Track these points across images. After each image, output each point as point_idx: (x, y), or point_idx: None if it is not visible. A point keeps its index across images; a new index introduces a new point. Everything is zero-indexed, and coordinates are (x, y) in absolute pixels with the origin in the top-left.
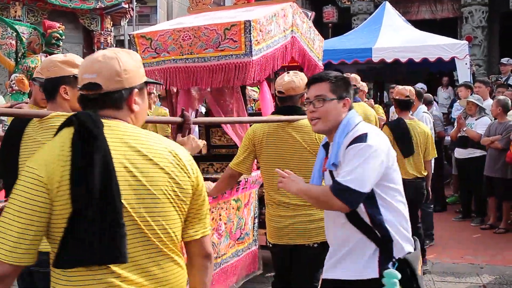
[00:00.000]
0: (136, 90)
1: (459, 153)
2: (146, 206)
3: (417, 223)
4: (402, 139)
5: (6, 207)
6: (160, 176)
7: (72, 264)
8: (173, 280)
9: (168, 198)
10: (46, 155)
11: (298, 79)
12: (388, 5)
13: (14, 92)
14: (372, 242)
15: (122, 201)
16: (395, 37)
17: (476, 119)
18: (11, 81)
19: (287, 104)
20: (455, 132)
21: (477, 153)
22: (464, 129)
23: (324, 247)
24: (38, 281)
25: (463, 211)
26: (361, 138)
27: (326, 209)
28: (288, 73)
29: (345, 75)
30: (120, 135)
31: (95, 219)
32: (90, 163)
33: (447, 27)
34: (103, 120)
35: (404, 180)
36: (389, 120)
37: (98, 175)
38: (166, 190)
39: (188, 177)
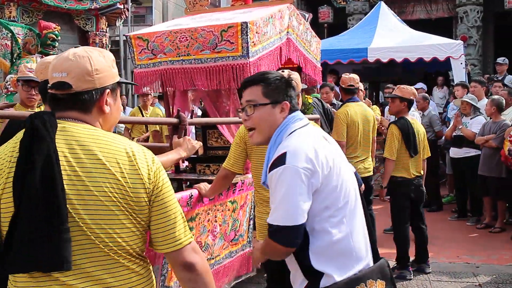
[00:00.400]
0: (108, 90)
1: (454, 152)
2: (91, 212)
3: (422, 223)
4: (409, 138)
5: None
6: (110, 182)
7: (14, 270)
8: None
9: (118, 206)
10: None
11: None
12: (383, 5)
13: (9, 93)
14: (301, 271)
15: (67, 205)
16: (390, 37)
17: (471, 119)
18: (6, 82)
19: None
20: (450, 131)
21: (472, 152)
22: (460, 127)
23: None
24: None
25: (458, 211)
26: (280, 160)
27: (280, 259)
28: (282, 72)
29: (343, 75)
30: (77, 137)
31: (37, 223)
32: (31, 165)
33: (442, 27)
34: (60, 121)
35: (406, 180)
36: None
37: (39, 177)
38: (115, 197)
39: (142, 183)
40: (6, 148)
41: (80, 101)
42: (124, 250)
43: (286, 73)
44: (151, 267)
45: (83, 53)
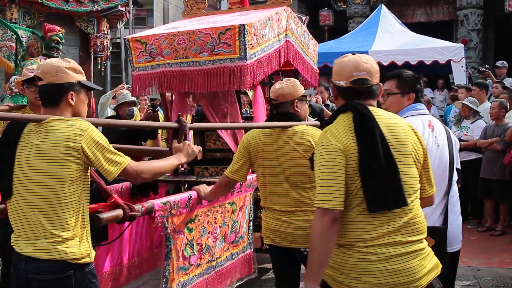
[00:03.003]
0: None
1: None
2: (405, 167)
3: None
4: None
5: (322, 167)
6: (409, 144)
7: (376, 209)
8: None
9: (414, 161)
10: (337, 132)
11: (288, 85)
12: (384, 8)
13: (14, 94)
14: None
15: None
16: (391, 40)
17: (471, 123)
18: (11, 83)
19: (280, 111)
20: None
21: (473, 155)
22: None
23: None
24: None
25: None
26: None
27: None
28: (281, 80)
29: None
30: (381, 117)
31: (386, 179)
32: (373, 139)
33: (443, 30)
34: (368, 107)
35: None
36: None
37: (380, 147)
38: (412, 154)
39: (421, 144)
40: (339, 127)
41: (372, 92)
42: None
43: (283, 81)
44: None
45: (370, 57)
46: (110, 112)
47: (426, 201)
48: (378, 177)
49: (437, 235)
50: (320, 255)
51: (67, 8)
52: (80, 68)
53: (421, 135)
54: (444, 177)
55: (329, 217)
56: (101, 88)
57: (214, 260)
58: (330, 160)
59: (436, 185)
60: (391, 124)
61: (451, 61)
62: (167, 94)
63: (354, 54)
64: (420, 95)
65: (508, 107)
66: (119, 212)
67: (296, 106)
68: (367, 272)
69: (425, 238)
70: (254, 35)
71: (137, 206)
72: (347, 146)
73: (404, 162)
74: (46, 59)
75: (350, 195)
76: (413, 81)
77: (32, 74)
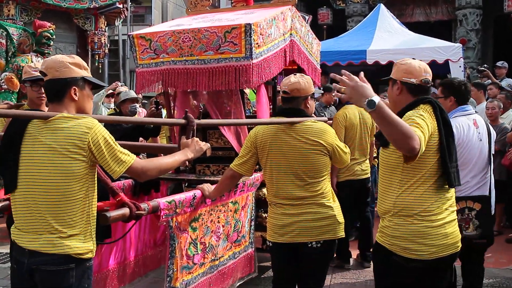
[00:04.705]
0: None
1: None
2: None
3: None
4: None
5: (423, 122)
6: None
7: (453, 185)
8: None
9: None
10: (427, 116)
11: (304, 81)
12: (382, 7)
13: (3, 91)
14: None
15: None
16: (389, 39)
17: None
18: (1, 80)
19: (290, 106)
20: None
21: None
22: None
23: (330, 245)
24: (38, 279)
25: None
26: None
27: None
28: (295, 74)
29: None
30: None
31: (453, 161)
32: (451, 128)
33: (441, 29)
34: None
35: None
36: None
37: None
38: None
39: None
40: (428, 114)
41: (430, 90)
42: None
43: (297, 75)
44: None
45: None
46: (104, 110)
47: None
48: (451, 159)
49: (485, 202)
50: (398, 127)
51: (64, 5)
52: (85, 64)
53: (467, 132)
54: (484, 162)
55: (416, 151)
56: (106, 85)
57: (217, 260)
58: (426, 124)
59: (478, 168)
60: None
61: (449, 61)
62: (170, 91)
63: (415, 59)
64: (466, 98)
65: (502, 106)
66: (125, 210)
67: (307, 102)
68: (431, 236)
69: (474, 203)
70: (260, 34)
71: (143, 205)
72: (434, 128)
73: None
74: (37, 55)
75: (423, 170)
76: (454, 86)
77: (36, 73)
